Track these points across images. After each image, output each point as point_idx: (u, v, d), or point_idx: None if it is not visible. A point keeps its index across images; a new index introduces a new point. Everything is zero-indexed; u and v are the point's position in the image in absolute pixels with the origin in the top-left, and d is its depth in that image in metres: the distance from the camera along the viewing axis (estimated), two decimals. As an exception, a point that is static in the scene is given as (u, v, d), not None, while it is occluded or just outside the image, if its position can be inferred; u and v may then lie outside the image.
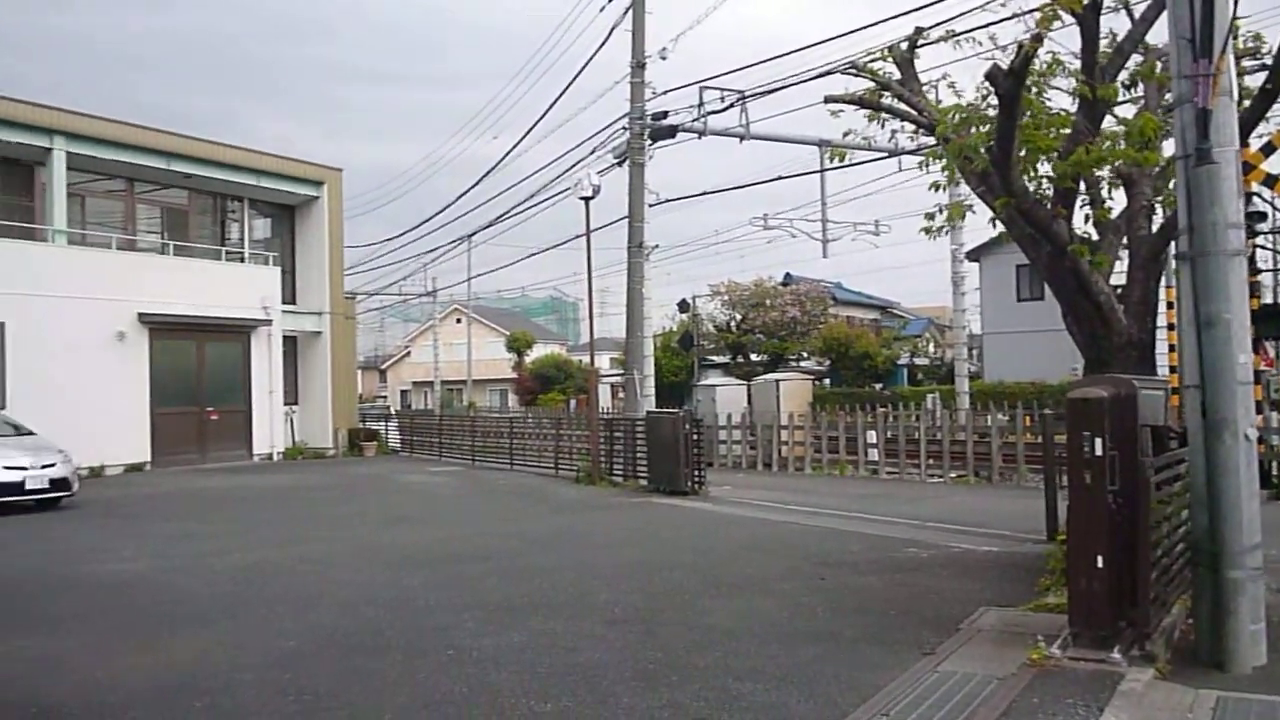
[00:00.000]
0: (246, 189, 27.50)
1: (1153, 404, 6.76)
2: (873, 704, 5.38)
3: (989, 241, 30.96)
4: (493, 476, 21.74)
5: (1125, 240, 9.25)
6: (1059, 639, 6.16)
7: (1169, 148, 8.71)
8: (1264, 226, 15.35)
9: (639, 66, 20.97)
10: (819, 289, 47.06)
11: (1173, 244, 8.77)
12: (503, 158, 70.82)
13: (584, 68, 37.46)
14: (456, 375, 60.82)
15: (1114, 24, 9.20)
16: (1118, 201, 9.57)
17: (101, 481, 20.20)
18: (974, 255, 33.95)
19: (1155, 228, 9.13)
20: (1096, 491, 5.94)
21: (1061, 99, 9.40)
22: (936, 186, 9.40)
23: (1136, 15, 8.92)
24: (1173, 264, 8.95)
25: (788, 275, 48.21)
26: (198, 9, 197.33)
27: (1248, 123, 7.59)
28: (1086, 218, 9.39)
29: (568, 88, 55.14)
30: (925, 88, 10.44)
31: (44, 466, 15.53)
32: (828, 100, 10.94)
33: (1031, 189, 8.81)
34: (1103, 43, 8.72)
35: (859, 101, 10.59)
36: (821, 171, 24.82)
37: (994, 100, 8.17)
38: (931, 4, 14.83)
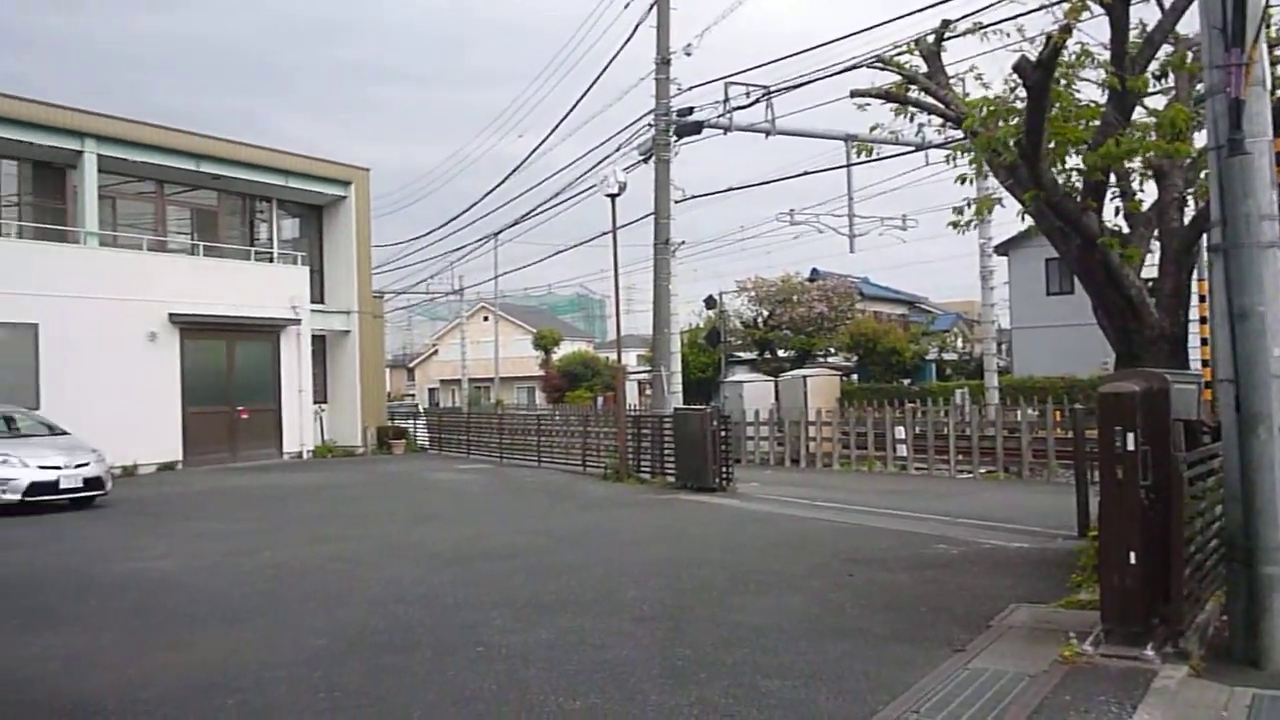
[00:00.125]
0: (275, 189, 27.72)
1: (1185, 398, 6.68)
2: (902, 701, 5.35)
3: (1018, 235, 30.78)
4: (520, 474, 21.81)
5: (1156, 233, 9.15)
6: (1091, 636, 6.11)
7: (1201, 139, 8.61)
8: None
9: (664, 63, 20.92)
10: (846, 284, 46.84)
11: (1205, 236, 8.67)
12: (528, 156, 70.77)
13: (609, 65, 37.48)
14: (484, 373, 61.06)
15: (1144, 14, 9.09)
16: (1149, 194, 9.48)
17: (134, 480, 20.41)
18: (1002, 249, 33.70)
19: (1187, 220, 9.02)
20: (1129, 487, 5.88)
21: (1091, 91, 9.30)
22: (964, 180, 9.34)
23: (1167, 5, 8.80)
24: (1205, 256, 8.85)
25: (814, 271, 48.00)
26: (218, 12, 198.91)
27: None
28: (1117, 210, 9.30)
29: (593, 85, 55.22)
30: (952, 81, 10.35)
31: (78, 466, 15.72)
32: (854, 95, 10.88)
33: (1061, 182, 8.72)
34: (1132, 33, 8.62)
35: (885, 95, 10.52)
36: (848, 166, 24.70)
37: (1022, 93, 8.10)
38: (958, -4, 14.71)
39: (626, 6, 23.21)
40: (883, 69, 11.18)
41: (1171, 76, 9.35)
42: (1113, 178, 9.00)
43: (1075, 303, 19.32)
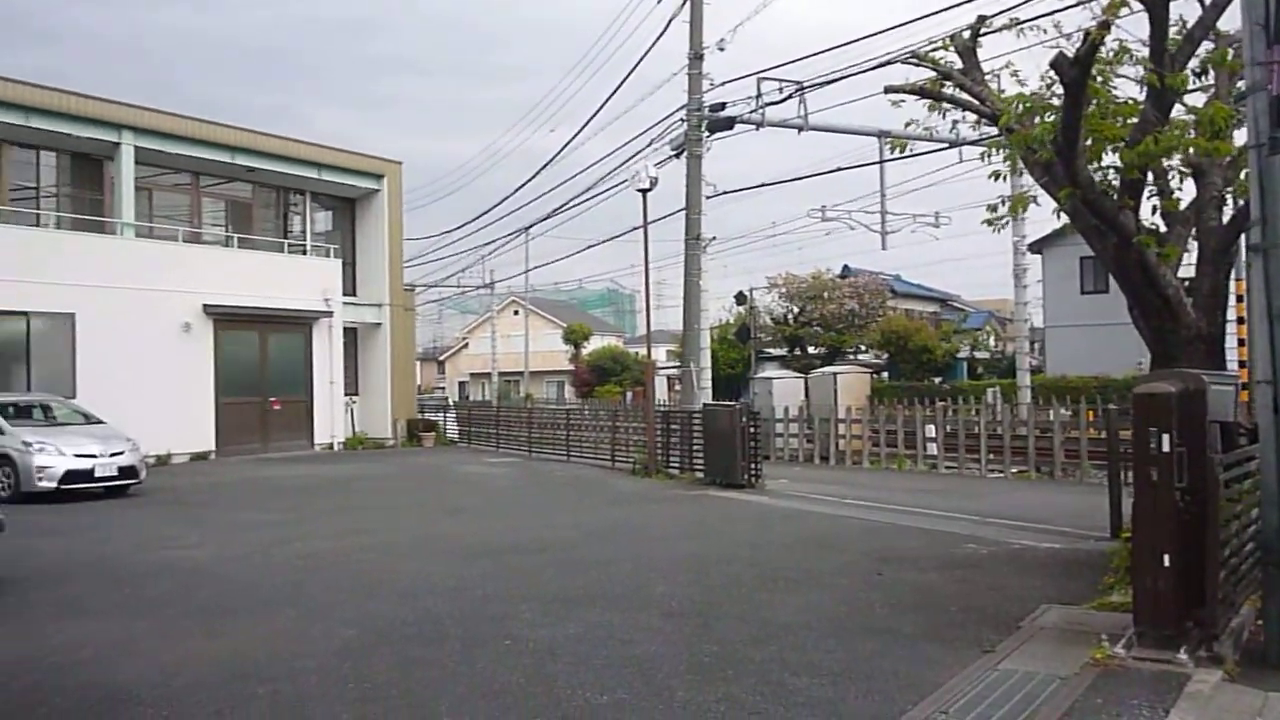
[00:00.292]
0: (308, 182, 27.93)
1: (1222, 399, 6.60)
2: (931, 701, 5.32)
3: (1052, 233, 30.49)
4: (549, 468, 21.87)
5: (1194, 232, 9.04)
6: (1123, 638, 6.05)
7: (1240, 137, 8.50)
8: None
9: (697, 58, 20.89)
10: (877, 281, 46.62)
11: (1244, 236, 8.56)
12: (560, 150, 70.90)
13: (641, 60, 37.39)
14: (514, 367, 61.21)
15: (1184, 10, 8.99)
16: (1187, 192, 9.37)
17: (168, 469, 20.64)
18: (1036, 247, 33.42)
19: (1225, 219, 8.91)
20: (1163, 489, 5.82)
21: (1129, 87, 9.21)
22: (998, 176, 9.27)
23: (1207, 1, 8.69)
24: (1243, 256, 8.74)
25: (846, 267, 47.84)
26: (252, 7, 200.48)
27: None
28: (1154, 209, 9.19)
29: (625, 80, 55.34)
30: (988, 77, 10.27)
31: (113, 454, 15.92)
32: (888, 90, 10.81)
33: (1097, 179, 8.64)
34: (1172, 30, 8.51)
35: (920, 91, 10.44)
36: (881, 163, 24.58)
37: (1059, 90, 8.03)
38: (994, -8, 14.57)
39: (659, 2, 23.19)
40: (918, 65, 11.12)
41: (1211, 73, 9.21)
42: (1150, 176, 8.90)
43: (1110, 302, 19.13)
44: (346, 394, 27.84)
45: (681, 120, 21.25)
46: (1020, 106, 8.33)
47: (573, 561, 9.85)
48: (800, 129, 21.50)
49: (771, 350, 46.58)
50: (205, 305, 23.51)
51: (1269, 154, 5.78)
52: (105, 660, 6.43)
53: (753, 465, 16.73)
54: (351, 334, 28.75)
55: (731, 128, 21.08)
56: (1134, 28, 8.60)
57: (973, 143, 19.10)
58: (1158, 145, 7.82)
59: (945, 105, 10.37)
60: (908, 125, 10.88)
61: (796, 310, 45.72)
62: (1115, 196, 8.53)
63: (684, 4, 21.17)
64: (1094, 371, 29.97)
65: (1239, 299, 14.16)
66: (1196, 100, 9.37)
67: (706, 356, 21.82)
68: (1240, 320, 14.40)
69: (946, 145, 21.10)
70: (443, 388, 70.74)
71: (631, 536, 11.73)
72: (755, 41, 23.53)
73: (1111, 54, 8.75)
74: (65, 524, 12.92)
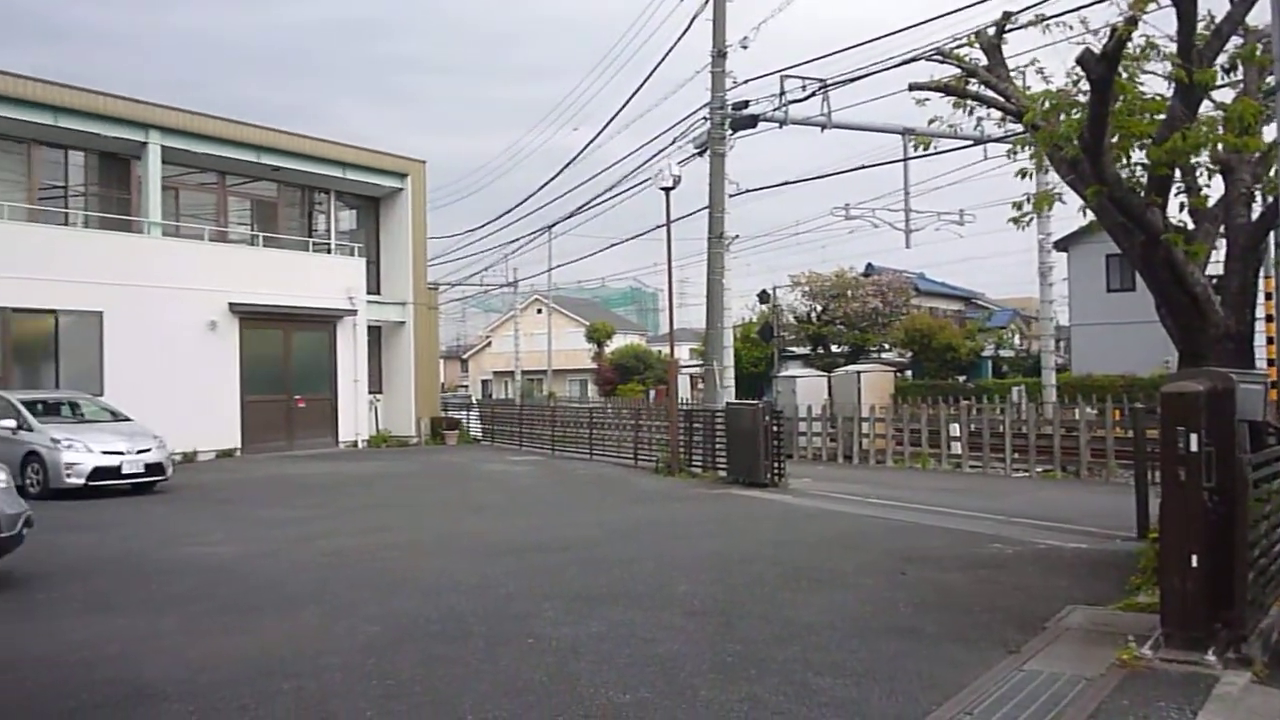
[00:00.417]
0: (333, 181, 28.08)
1: (1251, 399, 6.54)
2: (955, 702, 5.29)
3: (1078, 231, 30.22)
4: (572, 466, 21.90)
5: (1222, 229, 8.95)
6: (1150, 639, 6.00)
7: (1270, 133, 8.42)
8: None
9: (720, 55, 20.82)
10: (901, 279, 46.38)
11: (1272, 233, 8.47)
12: (583, 149, 70.69)
13: (664, 58, 37.20)
14: (537, 365, 61.29)
15: (1212, 5, 8.89)
16: (1215, 189, 9.27)
17: (194, 467, 20.80)
18: (1062, 245, 33.16)
19: (1254, 216, 8.82)
20: (1191, 489, 5.77)
21: (1156, 84, 9.13)
22: (1024, 174, 9.20)
23: (1236, -4, 8.60)
24: (1272, 254, 8.64)
25: (869, 266, 47.62)
26: (275, 6, 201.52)
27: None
28: (1182, 206, 9.12)
29: (648, 78, 54.98)
30: (1013, 74, 10.20)
31: (139, 451, 16.07)
32: (913, 88, 10.76)
33: (1124, 177, 8.56)
34: (1200, 25, 8.42)
35: (945, 89, 10.38)
36: (905, 160, 24.40)
37: (1085, 86, 7.96)
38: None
39: (681, 0, 23.15)
40: (942, 62, 11.06)
41: (1240, 69, 9.13)
42: (1178, 173, 8.82)
43: (1137, 300, 18.94)
44: (370, 392, 27.99)
45: (704, 118, 21.18)
46: (1046, 103, 8.29)
47: (595, 560, 9.85)
48: (824, 127, 21.40)
49: (795, 349, 46.43)
50: (231, 304, 23.68)
51: (1299, 150, 5.71)
52: (132, 656, 6.48)
53: (776, 464, 16.70)
54: (375, 332, 28.89)
55: (754, 126, 21.00)
56: (1161, 23, 8.54)
57: (998, 140, 18.96)
58: (1185, 141, 7.74)
59: (970, 103, 10.31)
60: (931, 123, 10.83)
61: (820, 309, 45.55)
62: (1142, 193, 8.45)
63: (707, 2, 21.11)
64: (1120, 370, 29.70)
65: (1268, 296, 13.96)
66: (1225, 96, 9.28)
67: (729, 355, 21.77)
68: (1269, 318, 14.20)
69: (971, 143, 20.93)
70: (466, 386, 71.01)
71: (654, 535, 11.73)
72: (778, 39, 23.47)
73: (1138, 50, 8.67)
74: (93, 520, 13.04)
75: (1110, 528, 11.25)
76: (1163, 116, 8.17)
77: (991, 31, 10.29)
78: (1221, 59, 8.74)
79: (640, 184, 25.09)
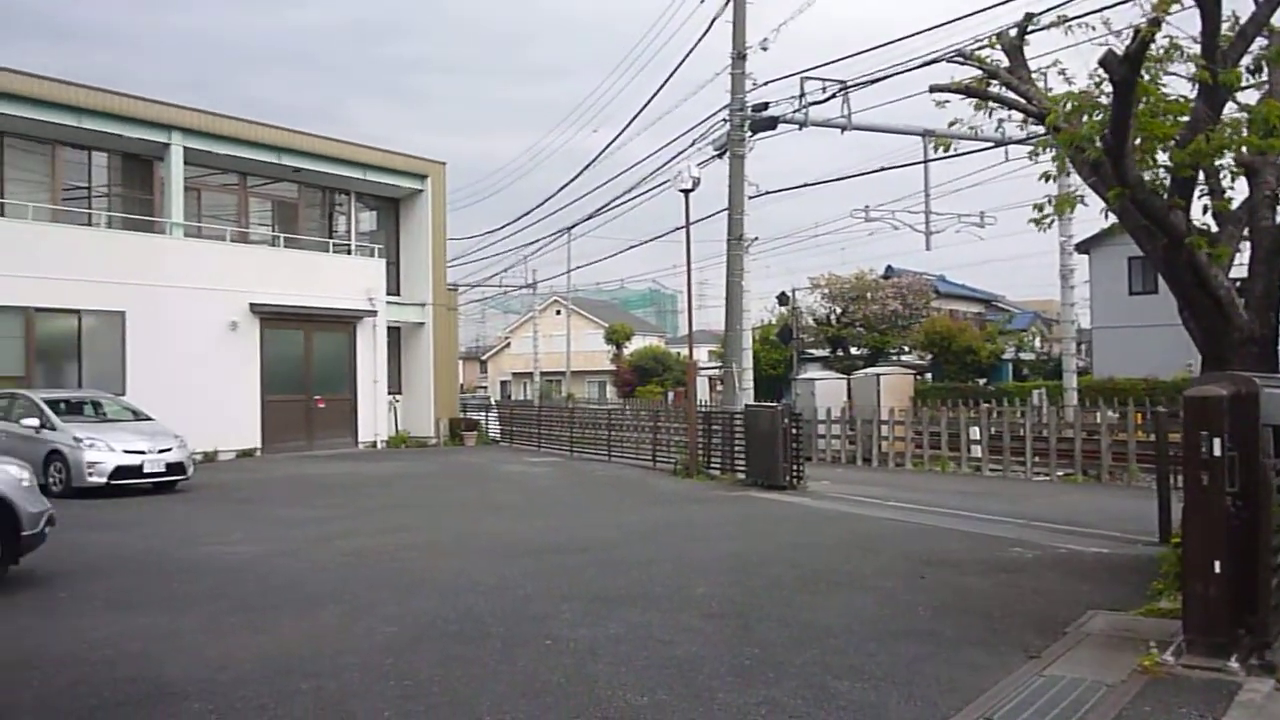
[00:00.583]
0: (353, 182, 28.21)
1: (1275, 403, 6.47)
2: (975, 707, 5.26)
3: (1100, 233, 30.06)
4: (590, 467, 21.91)
5: (1247, 232, 8.87)
6: (1172, 645, 5.95)
7: (1295, 135, 8.33)
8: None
9: (739, 57, 20.81)
10: (921, 282, 46.24)
11: (1298, 236, 8.38)
12: (603, 150, 71.18)
13: (684, 60, 37.42)
14: (555, 366, 61.36)
15: (1236, 6, 8.82)
16: (1239, 191, 9.18)
17: (215, 466, 20.92)
18: (1084, 247, 32.96)
19: (1279, 219, 8.73)
20: (1214, 494, 5.72)
21: (1179, 85, 9.05)
22: (1047, 177, 9.14)
23: (1261, -3, 8.53)
24: (1298, 257, 8.55)
25: (889, 268, 47.49)
26: (293, 7, 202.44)
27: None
28: (1205, 208, 9.03)
29: (668, 80, 55.22)
30: (1035, 75, 10.14)
31: (161, 451, 16.18)
32: (933, 90, 10.69)
33: (1147, 179, 8.49)
34: (1224, 26, 8.35)
35: (966, 91, 10.32)
36: (925, 162, 24.31)
37: (1107, 88, 7.90)
38: (1042, -11, 14.39)
39: (702, 2, 23.17)
40: (963, 63, 11.00)
41: (1266, 70, 9.05)
42: (1201, 175, 8.75)
43: (1159, 303, 18.83)
44: (390, 393, 28.08)
45: (724, 120, 21.17)
46: (1068, 105, 8.22)
47: (613, 561, 9.85)
48: (844, 129, 21.34)
49: (814, 351, 46.36)
50: (252, 304, 23.81)
51: (1325, 152, 5.66)
52: (152, 654, 6.52)
53: (795, 466, 16.67)
54: (395, 333, 28.99)
55: (774, 128, 20.97)
56: (1185, 24, 8.47)
57: (1019, 142, 18.88)
58: (1209, 144, 7.68)
59: (991, 104, 10.24)
60: (952, 124, 10.76)
61: (839, 311, 45.47)
62: (1165, 196, 8.38)
63: (727, 3, 21.09)
64: (1142, 373, 29.49)
65: (1293, 300, 13.86)
66: (1249, 98, 9.19)
67: (748, 357, 21.74)
68: (1294, 322, 14.10)
69: (992, 145, 20.84)
70: (485, 387, 71.13)
71: (672, 537, 11.71)
72: (798, 41, 23.44)
73: (1162, 51, 8.60)
74: (114, 519, 13.13)
75: (1132, 532, 11.18)
76: (1186, 118, 8.11)
77: (1013, 33, 10.23)
78: (1246, 60, 8.67)
79: (660, 186, 25.09)
